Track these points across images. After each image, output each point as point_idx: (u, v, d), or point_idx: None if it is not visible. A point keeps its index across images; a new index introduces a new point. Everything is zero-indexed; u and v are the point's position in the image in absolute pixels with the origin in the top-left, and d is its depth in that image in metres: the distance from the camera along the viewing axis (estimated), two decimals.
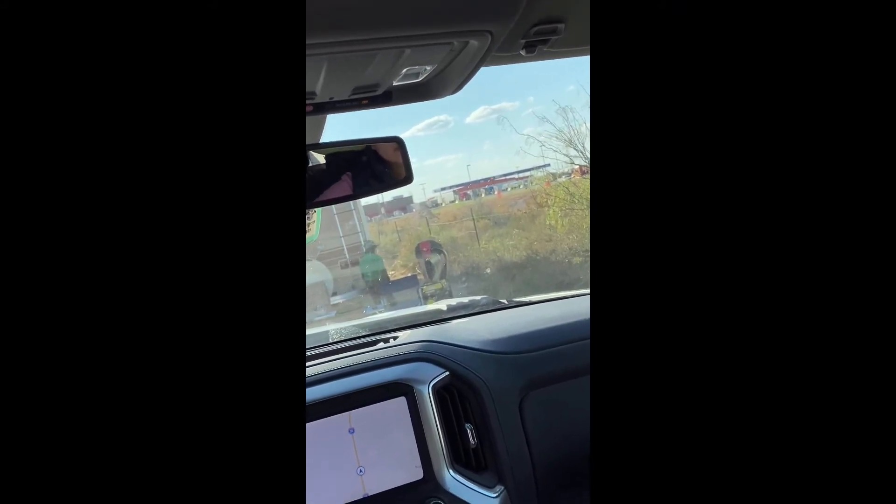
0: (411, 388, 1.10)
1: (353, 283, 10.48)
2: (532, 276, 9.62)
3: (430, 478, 1.07)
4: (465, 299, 1.77)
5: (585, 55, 0.90)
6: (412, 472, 1.07)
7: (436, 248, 9.59)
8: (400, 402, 1.10)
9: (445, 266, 9.21)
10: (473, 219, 14.44)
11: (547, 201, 10.81)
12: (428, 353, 1.16)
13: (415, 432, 1.09)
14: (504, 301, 1.67)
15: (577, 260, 9.25)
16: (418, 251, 9.64)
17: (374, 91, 0.82)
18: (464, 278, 10.79)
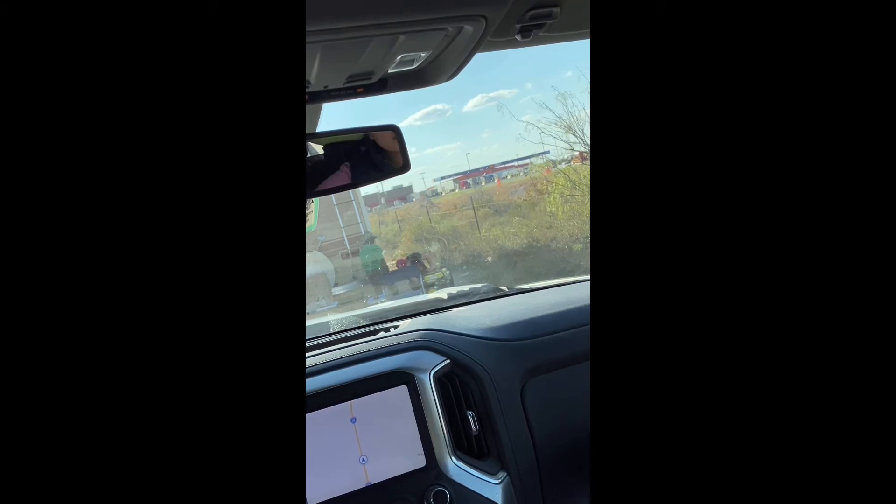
0: (412, 376, 1.10)
1: (354, 274, 10.52)
2: (533, 263, 9.64)
3: (432, 465, 1.08)
4: (466, 287, 1.77)
5: (582, 39, 0.89)
6: (415, 460, 1.08)
7: (414, 258, 10.45)
8: (401, 391, 1.10)
9: (426, 266, 9.94)
10: (474, 207, 14.42)
11: (547, 188, 10.79)
12: (428, 342, 1.16)
13: (416, 420, 1.09)
14: (504, 289, 1.67)
15: (577, 246, 9.25)
16: (399, 267, 10.40)
17: (370, 79, 0.81)
18: (465, 267, 10.80)
